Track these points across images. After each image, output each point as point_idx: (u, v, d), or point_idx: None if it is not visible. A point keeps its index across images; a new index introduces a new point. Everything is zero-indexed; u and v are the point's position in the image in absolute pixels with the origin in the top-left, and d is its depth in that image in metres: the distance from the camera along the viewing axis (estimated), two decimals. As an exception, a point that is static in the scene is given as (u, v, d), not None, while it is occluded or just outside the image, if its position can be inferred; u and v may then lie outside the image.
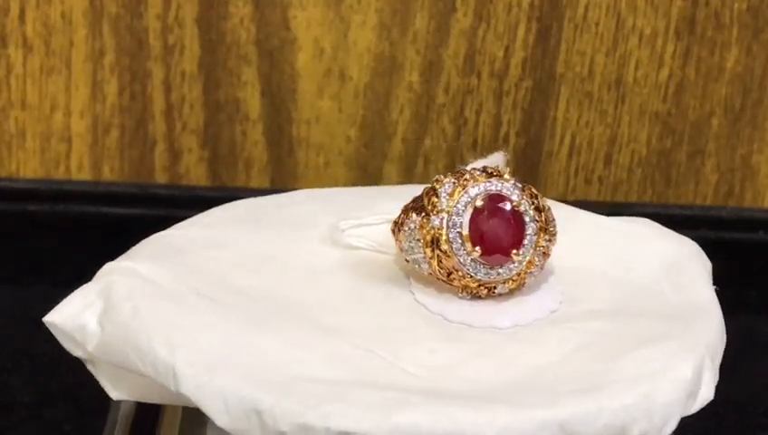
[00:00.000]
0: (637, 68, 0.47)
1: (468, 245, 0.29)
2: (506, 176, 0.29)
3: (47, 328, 0.39)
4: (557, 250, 0.30)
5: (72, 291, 0.29)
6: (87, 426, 0.36)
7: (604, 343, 0.27)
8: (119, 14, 0.45)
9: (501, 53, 0.46)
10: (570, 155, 0.48)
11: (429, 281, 0.30)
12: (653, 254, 0.31)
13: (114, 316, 0.27)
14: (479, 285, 0.29)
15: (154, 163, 0.47)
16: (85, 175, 0.47)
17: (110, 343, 0.27)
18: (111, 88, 0.46)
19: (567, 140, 0.48)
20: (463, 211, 0.29)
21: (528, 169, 0.48)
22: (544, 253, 0.29)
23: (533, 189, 0.29)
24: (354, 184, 0.47)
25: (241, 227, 0.32)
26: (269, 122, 0.47)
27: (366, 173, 0.48)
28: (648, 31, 0.46)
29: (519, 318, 0.29)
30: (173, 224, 0.34)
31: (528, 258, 0.29)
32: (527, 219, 0.29)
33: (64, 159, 0.47)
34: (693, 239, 0.33)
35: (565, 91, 0.47)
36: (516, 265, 0.29)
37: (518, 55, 0.47)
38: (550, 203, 0.31)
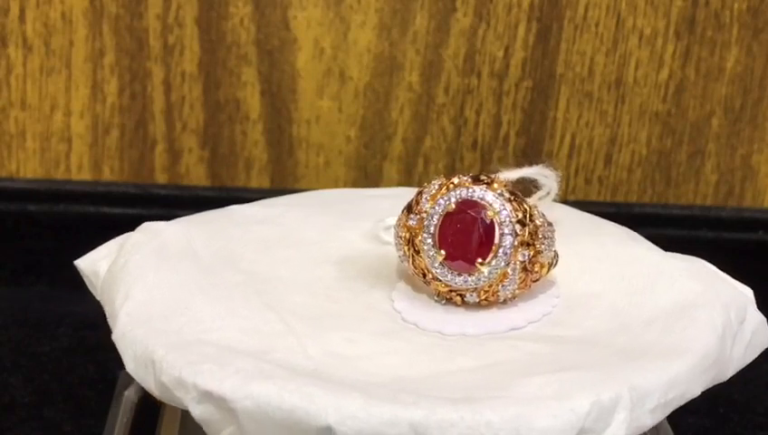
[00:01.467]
0: (637, 68, 0.47)
1: (436, 248, 0.29)
2: (496, 185, 0.29)
3: (47, 328, 0.39)
4: (581, 274, 0.30)
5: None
6: (87, 426, 0.36)
7: (528, 362, 0.26)
8: (119, 14, 0.45)
9: (501, 53, 0.46)
10: (570, 155, 0.48)
11: (415, 281, 0.30)
12: (674, 293, 0.30)
13: (112, 266, 0.30)
14: (450, 291, 0.29)
15: (154, 163, 0.47)
16: (85, 175, 0.47)
17: (103, 288, 0.30)
18: (111, 88, 0.46)
19: (567, 140, 0.48)
20: (436, 214, 0.29)
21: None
22: (525, 268, 0.28)
23: (527, 203, 0.29)
24: (354, 184, 0.48)
25: (302, 211, 0.34)
26: (269, 122, 0.47)
27: (366, 173, 0.48)
28: (647, 31, 0.46)
29: (468, 328, 0.28)
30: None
31: (501, 271, 0.28)
32: (505, 231, 0.28)
33: (64, 159, 0.47)
34: (692, 239, 0.33)
35: (565, 91, 0.47)
36: (485, 275, 0.28)
37: (518, 55, 0.47)
38: (612, 227, 0.33)
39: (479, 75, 0.47)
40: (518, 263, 0.28)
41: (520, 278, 0.29)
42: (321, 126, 0.47)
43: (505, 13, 0.46)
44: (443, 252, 0.29)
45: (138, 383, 0.28)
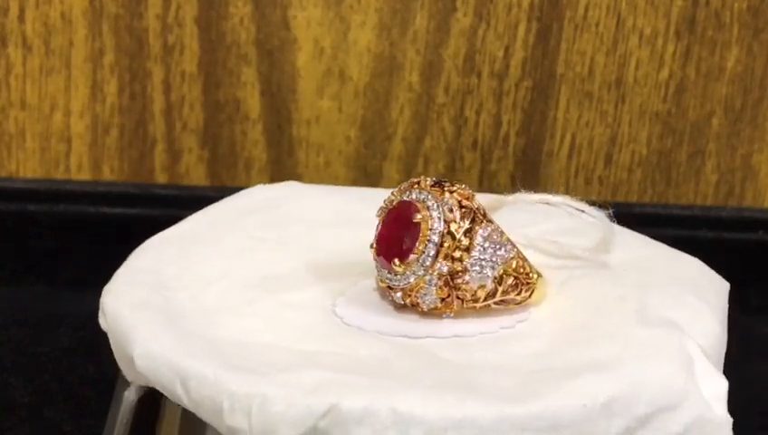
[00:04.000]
0: (637, 68, 0.47)
1: (374, 240, 0.29)
2: (447, 194, 0.28)
3: (47, 328, 0.39)
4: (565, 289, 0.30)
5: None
6: (87, 426, 0.36)
7: (364, 362, 0.27)
8: (118, 14, 0.45)
9: (501, 53, 0.46)
10: (570, 155, 0.48)
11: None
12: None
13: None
14: (387, 287, 0.29)
15: (154, 163, 0.47)
16: (85, 175, 0.47)
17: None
18: (111, 88, 0.46)
19: (567, 140, 0.48)
20: (385, 209, 0.29)
21: (528, 169, 0.48)
22: (448, 284, 0.28)
23: (481, 222, 0.28)
24: (354, 184, 0.48)
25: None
26: (269, 122, 0.47)
27: (366, 173, 0.48)
28: (648, 31, 0.46)
29: (386, 328, 0.28)
30: (173, 224, 0.35)
31: (418, 278, 0.28)
32: (431, 239, 0.28)
33: (64, 159, 0.47)
34: (692, 239, 0.33)
35: (565, 91, 0.47)
36: (403, 277, 0.28)
37: (518, 55, 0.46)
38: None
39: (479, 75, 0.47)
40: (436, 274, 0.28)
41: (440, 291, 0.28)
42: (321, 126, 0.47)
43: (505, 13, 0.46)
44: (374, 247, 0.29)
45: (138, 383, 0.28)
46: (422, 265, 0.28)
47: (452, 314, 0.29)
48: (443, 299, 0.28)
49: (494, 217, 0.29)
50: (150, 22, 0.45)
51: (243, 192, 0.37)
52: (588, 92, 0.47)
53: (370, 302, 0.30)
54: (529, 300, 0.29)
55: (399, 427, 0.24)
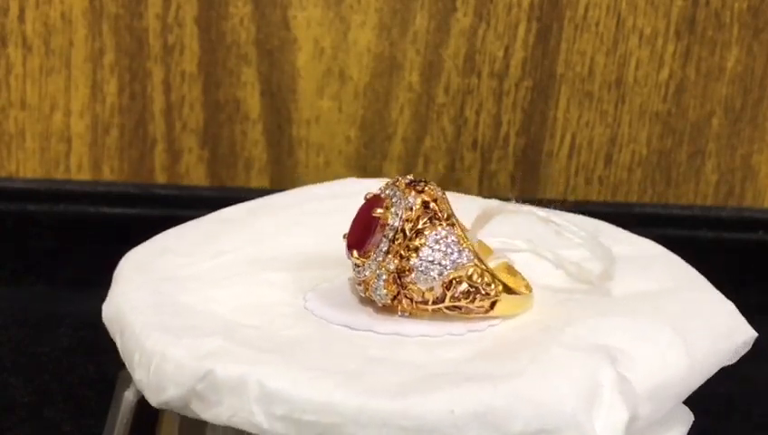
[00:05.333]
0: (637, 68, 0.47)
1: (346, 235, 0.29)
2: (413, 193, 0.28)
3: (47, 328, 0.39)
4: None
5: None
6: (87, 426, 0.36)
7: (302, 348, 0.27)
8: (118, 14, 0.45)
9: (501, 53, 0.46)
10: (570, 155, 0.48)
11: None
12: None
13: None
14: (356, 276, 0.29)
15: (154, 163, 0.47)
16: (85, 175, 0.47)
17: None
18: (111, 88, 0.46)
19: (567, 140, 0.48)
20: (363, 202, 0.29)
21: (528, 169, 0.48)
22: (396, 282, 0.28)
23: (427, 221, 0.28)
24: (354, 184, 0.48)
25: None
26: (269, 122, 0.47)
27: (366, 173, 0.48)
28: (648, 31, 0.46)
29: (335, 316, 0.29)
30: (173, 224, 0.35)
31: (370, 273, 0.28)
32: (385, 234, 0.28)
33: (64, 159, 0.47)
34: (692, 239, 0.32)
35: (565, 91, 0.47)
36: (363, 270, 0.28)
37: (518, 55, 0.46)
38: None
39: (479, 75, 0.47)
40: (385, 270, 0.28)
41: (390, 288, 0.28)
42: (321, 126, 0.47)
43: (505, 13, 0.46)
44: (344, 236, 0.29)
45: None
46: (375, 260, 0.28)
47: (406, 314, 0.28)
48: (394, 297, 0.28)
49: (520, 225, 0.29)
50: (150, 22, 0.45)
51: (334, 182, 0.37)
52: (588, 92, 0.47)
53: (342, 292, 0.30)
54: (492, 312, 0.28)
55: (263, 401, 0.25)
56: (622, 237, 0.34)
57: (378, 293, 0.28)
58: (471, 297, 0.28)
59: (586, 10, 0.46)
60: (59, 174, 0.47)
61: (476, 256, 0.28)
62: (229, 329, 0.27)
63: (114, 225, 0.47)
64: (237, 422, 0.25)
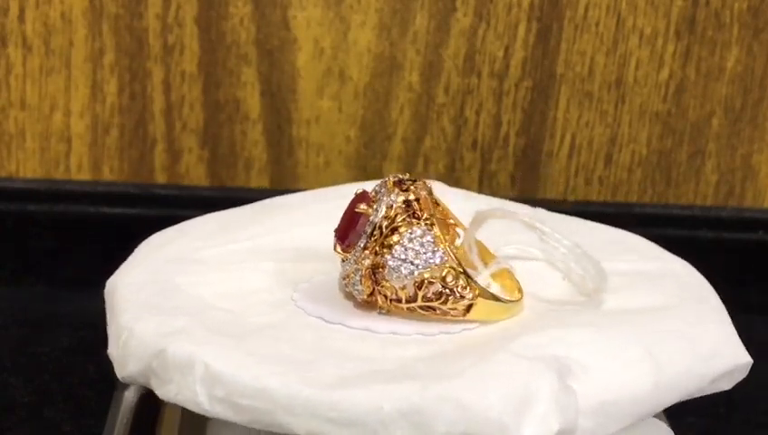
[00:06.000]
0: (637, 68, 0.47)
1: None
2: (397, 190, 0.28)
3: (47, 328, 0.39)
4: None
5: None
6: (87, 426, 0.36)
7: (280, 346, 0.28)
8: (118, 14, 0.45)
9: (501, 53, 0.46)
10: (570, 155, 0.48)
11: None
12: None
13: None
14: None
15: (154, 163, 0.47)
16: (85, 175, 0.47)
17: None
18: (111, 88, 0.46)
19: (567, 140, 0.48)
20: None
21: (528, 169, 0.48)
22: (371, 278, 0.28)
23: (406, 219, 0.28)
24: (354, 184, 0.47)
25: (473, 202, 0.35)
26: (269, 122, 0.47)
27: (366, 173, 0.48)
28: (648, 31, 0.46)
29: (314, 308, 0.29)
30: (173, 224, 0.35)
31: (351, 267, 0.28)
32: (365, 230, 0.28)
33: (64, 159, 0.47)
34: (692, 239, 0.32)
35: (565, 91, 0.47)
36: (345, 264, 0.28)
37: (518, 55, 0.46)
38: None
39: (479, 75, 0.47)
40: (363, 268, 0.28)
41: (366, 284, 0.28)
42: (321, 126, 0.47)
43: (505, 13, 0.46)
44: (335, 228, 0.29)
45: (138, 383, 0.28)
46: (354, 255, 0.28)
47: (384, 311, 0.28)
48: (370, 293, 0.28)
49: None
50: (150, 22, 0.45)
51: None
52: (588, 92, 0.47)
53: (332, 286, 0.30)
54: (469, 316, 0.28)
55: (207, 382, 0.25)
56: (654, 254, 0.33)
57: (356, 288, 0.28)
58: (444, 299, 0.28)
59: (586, 10, 0.46)
60: (59, 174, 0.47)
61: (453, 257, 0.28)
62: (201, 311, 0.28)
63: (114, 225, 0.47)
64: (182, 401, 0.26)
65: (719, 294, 0.31)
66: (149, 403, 0.31)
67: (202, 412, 0.26)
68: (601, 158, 0.48)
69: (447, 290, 0.28)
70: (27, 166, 0.47)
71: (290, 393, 0.25)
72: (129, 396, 0.33)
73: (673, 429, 0.32)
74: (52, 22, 0.45)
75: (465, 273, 0.28)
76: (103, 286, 0.31)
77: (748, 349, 0.30)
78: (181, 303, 0.29)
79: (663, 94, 0.47)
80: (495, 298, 0.28)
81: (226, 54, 0.46)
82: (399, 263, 0.28)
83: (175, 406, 0.31)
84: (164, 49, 0.46)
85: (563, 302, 0.30)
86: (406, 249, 0.28)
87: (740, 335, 0.31)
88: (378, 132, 0.47)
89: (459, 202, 0.33)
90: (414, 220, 0.28)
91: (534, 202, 0.36)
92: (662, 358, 0.27)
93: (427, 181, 0.30)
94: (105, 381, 0.38)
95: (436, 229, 0.28)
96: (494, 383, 0.25)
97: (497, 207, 0.31)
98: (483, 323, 0.28)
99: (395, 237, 0.28)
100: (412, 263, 0.28)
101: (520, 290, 0.29)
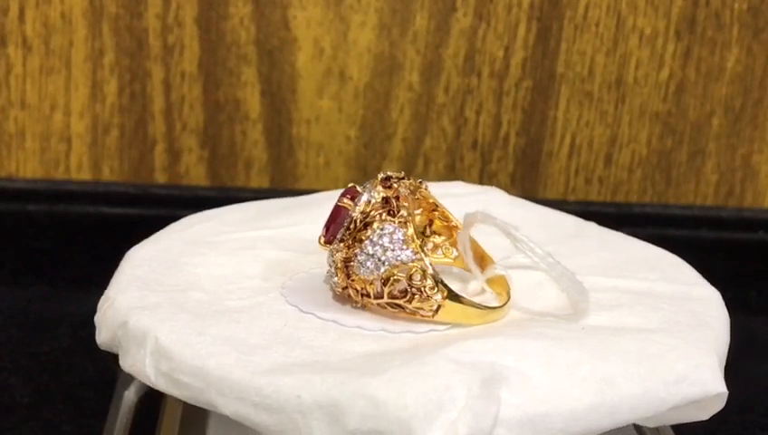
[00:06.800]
0: (637, 68, 0.47)
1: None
2: (379, 187, 0.28)
3: (47, 328, 0.39)
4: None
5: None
6: (87, 426, 0.36)
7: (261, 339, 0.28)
8: (118, 14, 0.45)
9: (501, 53, 0.46)
10: (570, 155, 0.48)
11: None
12: None
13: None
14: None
15: (154, 163, 0.47)
16: (85, 175, 0.47)
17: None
18: (111, 88, 0.46)
19: (567, 140, 0.48)
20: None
21: (528, 169, 0.48)
22: (345, 273, 0.28)
23: (382, 215, 0.28)
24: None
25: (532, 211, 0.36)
26: (269, 122, 0.47)
27: (366, 173, 0.48)
28: (648, 31, 0.46)
29: (320, 311, 0.29)
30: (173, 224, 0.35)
31: (332, 259, 0.29)
32: (343, 224, 0.28)
33: (64, 159, 0.47)
34: (692, 239, 0.32)
35: (565, 91, 0.47)
36: (327, 256, 0.29)
37: (518, 55, 0.46)
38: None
39: (479, 75, 0.47)
40: (338, 261, 0.28)
41: (340, 276, 0.28)
42: (320, 126, 0.47)
43: (505, 13, 0.46)
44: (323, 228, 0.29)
45: (138, 383, 0.29)
46: (333, 248, 0.29)
47: (358, 305, 0.29)
48: (344, 287, 0.28)
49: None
50: (150, 22, 0.45)
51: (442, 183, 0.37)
52: (588, 92, 0.47)
53: (322, 277, 0.30)
54: (437, 317, 0.28)
55: (155, 356, 0.27)
56: (680, 277, 0.32)
57: (333, 280, 0.29)
58: (409, 297, 0.28)
59: (586, 10, 0.46)
60: (59, 174, 0.47)
61: (423, 257, 0.28)
62: (182, 291, 0.29)
63: (114, 225, 0.47)
64: (135, 372, 0.27)
65: (719, 294, 0.31)
66: (149, 403, 0.31)
67: (150, 385, 0.27)
68: (601, 158, 0.48)
69: (414, 289, 0.28)
70: (27, 166, 0.47)
71: (222, 375, 0.26)
72: (129, 396, 0.33)
73: (673, 428, 0.32)
74: (52, 22, 0.45)
75: (434, 274, 0.28)
76: (103, 287, 0.31)
77: (748, 349, 0.30)
78: (168, 280, 0.30)
79: (663, 94, 0.47)
80: (466, 302, 0.28)
81: (226, 54, 0.46)
82: (366, 257, 0.28)
83: (175, 406, 0.31)
84: (164, 49, 0.46)
85: (547, 314, 0.30)
86: (374, 245, 0.28)
87: (740, 335, 0.31)
88: (378, 132, 0.47)
89: (515, 210, 0.34)
90: (388, 217, 0.28)
91: (535, 202, 0.36)
92: (614, 378, 0.26)
93: (488, 187, 0.32)
94: (105, 381, 0.38)
95: (409, 228, 0.28)
96: (413, 384, 0.25)
97: (481, 211, 0.30)
98: (456, 326, 0.28)
99: (367, 232, 0.28)
100: (379, 259, 0.28)
101: (505, 296, 0.29)
